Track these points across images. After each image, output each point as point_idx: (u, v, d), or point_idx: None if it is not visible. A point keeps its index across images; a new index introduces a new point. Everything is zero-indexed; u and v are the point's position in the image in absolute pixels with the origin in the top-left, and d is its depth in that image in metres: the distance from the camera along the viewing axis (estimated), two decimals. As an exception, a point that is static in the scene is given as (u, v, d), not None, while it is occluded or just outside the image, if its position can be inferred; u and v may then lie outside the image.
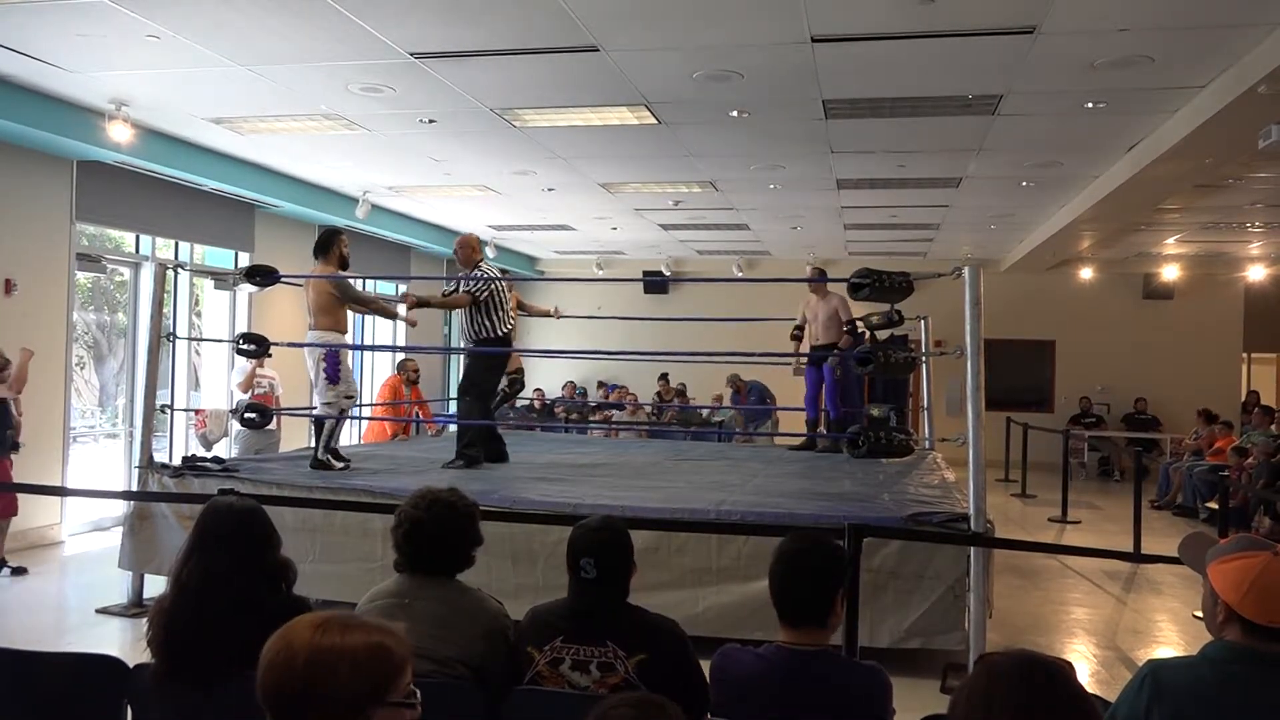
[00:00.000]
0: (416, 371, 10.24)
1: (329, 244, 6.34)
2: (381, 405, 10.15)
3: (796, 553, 2.36)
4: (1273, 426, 11.02)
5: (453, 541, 2.58)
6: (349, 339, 7.02)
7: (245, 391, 8.46)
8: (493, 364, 6.88)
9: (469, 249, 6.76)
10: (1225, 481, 7.13)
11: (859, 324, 7.81)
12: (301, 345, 6.61)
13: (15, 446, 6.66)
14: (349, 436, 10.13)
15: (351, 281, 6.64)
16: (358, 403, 7.52)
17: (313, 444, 6.46)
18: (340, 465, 6.15)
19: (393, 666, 1.41)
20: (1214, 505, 9.69)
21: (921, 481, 6.44)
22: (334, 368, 6.26)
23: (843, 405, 8.27)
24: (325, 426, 6.23)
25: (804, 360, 8.29)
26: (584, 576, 2.45)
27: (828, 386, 8.19)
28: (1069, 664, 1.54)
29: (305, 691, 1.36)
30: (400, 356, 10.94)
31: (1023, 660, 1.48)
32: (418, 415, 10.63)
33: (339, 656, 1.37)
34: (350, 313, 6.65)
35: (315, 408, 6.49)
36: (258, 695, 1.39)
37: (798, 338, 8.54)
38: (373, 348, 12.13)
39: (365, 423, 9.72)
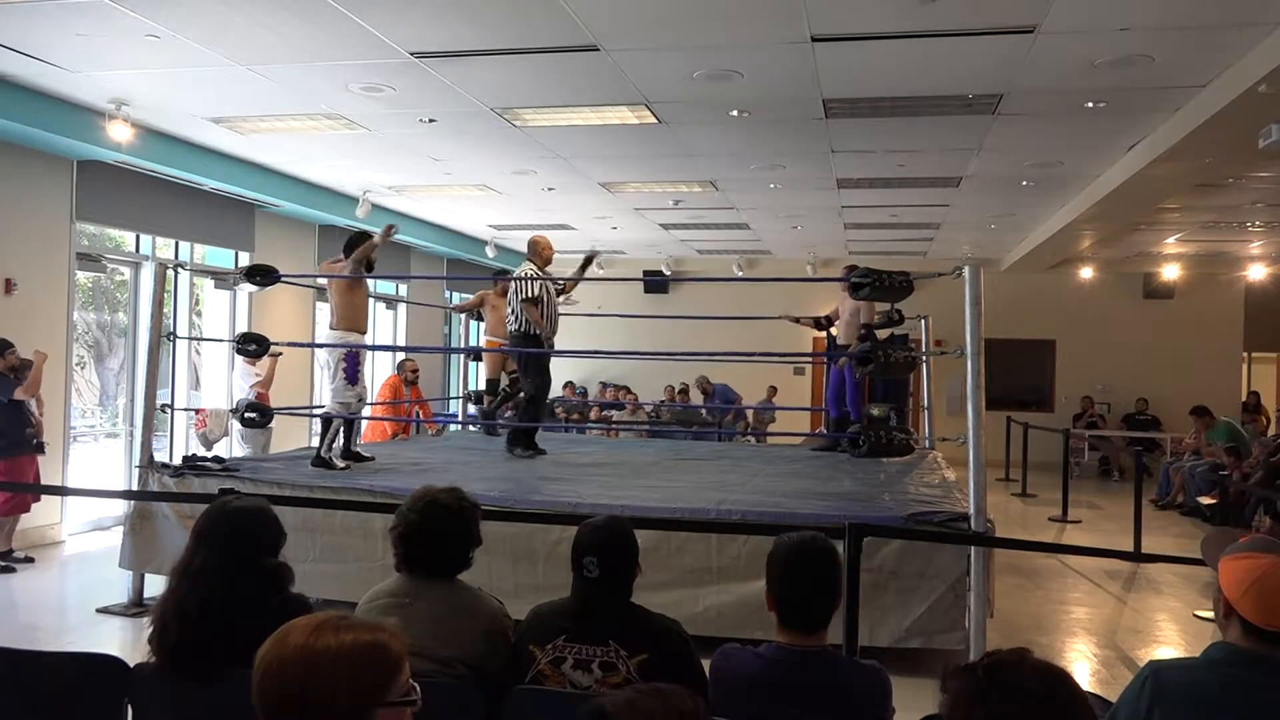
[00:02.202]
0: (415, 372, 10.25)
1: (357, 246, 6.30)
2: (381, 405, 10.15)
3: (797, 557, 2.35)
4: (1271, 426, 11.02)
5: (450, 543, 2.57)
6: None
7: (267, 388, 8.49)
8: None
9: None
10: (1225, 481, 7.14)
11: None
12: (301, 345, 6.61)
13: (39, 447, 6.78)
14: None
15: (368, 289, 6.61)
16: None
17: (345, 445, 6.46)
18: (342, 466, 6.16)
19: (390, 664, 1.40)
20: (1207, 500, 9.78)
21: (922, 481, 6.43)
22: (354, 368, 6.31)
23: (845, 407, 8.27)
24: (334, 425, 6.26)
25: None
26: (587, 575, 2.45)
27: (849, 387, 8.18)
28: (1063, 670, 1.52)
29: (304, 696, 1.34)
30: (400, 356, 10.94)
31: (1017, 662, 1.47)
32: (418, 415, 10.63)
33: (335, 658, 1.36)
34: (369, 315, 6.68)
35: (324, 406, 6.52)
36: (255, 703, 1.37)
37: (823, 326, 8.63)
38: (373, 347, 12.11)
39: (365, 422, 9.72)
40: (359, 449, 6.60)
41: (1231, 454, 10.02)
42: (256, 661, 1.39)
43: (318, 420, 11.08)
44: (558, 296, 7.34)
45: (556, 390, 15.08)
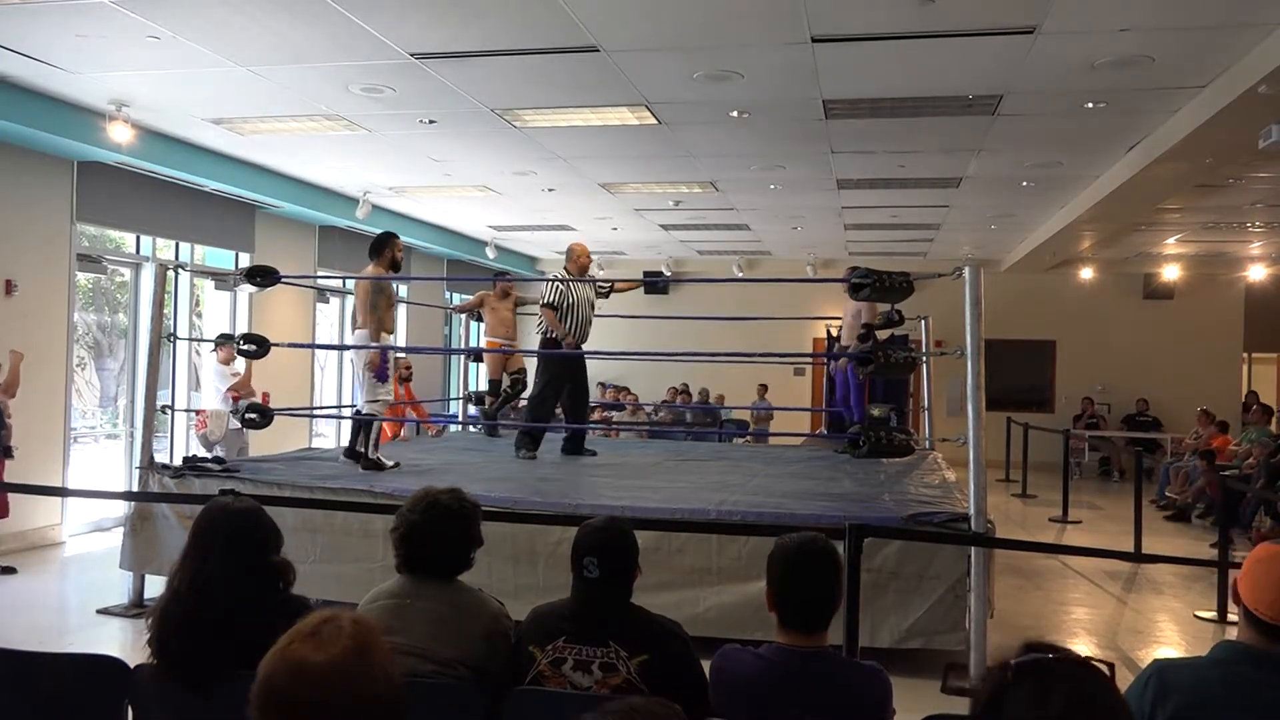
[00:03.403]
0: (409, 369, 10.26)
1: (383, 246, 6.37)
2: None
3: (797, 558, 2.35)
4: (1272, 425, 11.02)
5: (451, 544, 2.56)
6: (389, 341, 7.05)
7: (242, 390, 8.45)
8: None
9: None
10: (1226, 482, 7.14)
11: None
12: (298, 346, 6.60)
13: (8, 451, 6.64)
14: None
15: (393, 291, 6.62)
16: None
17: (351, 442, 6.42)
18: (391, 464, 6.23)
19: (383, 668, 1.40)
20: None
21: (922, 481, 6.43)
22: (383, 367, 6.35)
23: (846, 407, 8.27)
24: (372, 426, 6.30)
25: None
26: (587, 576, 2.45)
27: (853, 389, 8.18)
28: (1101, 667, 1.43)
29: (297, 711, 1.32)
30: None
31: (1062, 664, 1.37)
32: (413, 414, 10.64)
33: (329, 671, 1.33)
34: (395, 315, 6.75)
35: (357, 407, 6.61)
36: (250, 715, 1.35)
37: (835, 338, 8.70)
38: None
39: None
40: (356, 451, 6.60)
41: (1206, 458, 10.02)
42: (261, 674, 1.36)
43: (318, 421, 11.15)
44: (605, 296, 7.38)
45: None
